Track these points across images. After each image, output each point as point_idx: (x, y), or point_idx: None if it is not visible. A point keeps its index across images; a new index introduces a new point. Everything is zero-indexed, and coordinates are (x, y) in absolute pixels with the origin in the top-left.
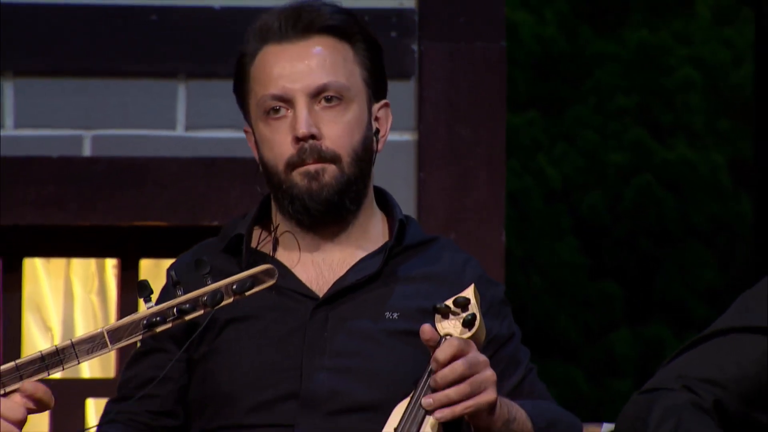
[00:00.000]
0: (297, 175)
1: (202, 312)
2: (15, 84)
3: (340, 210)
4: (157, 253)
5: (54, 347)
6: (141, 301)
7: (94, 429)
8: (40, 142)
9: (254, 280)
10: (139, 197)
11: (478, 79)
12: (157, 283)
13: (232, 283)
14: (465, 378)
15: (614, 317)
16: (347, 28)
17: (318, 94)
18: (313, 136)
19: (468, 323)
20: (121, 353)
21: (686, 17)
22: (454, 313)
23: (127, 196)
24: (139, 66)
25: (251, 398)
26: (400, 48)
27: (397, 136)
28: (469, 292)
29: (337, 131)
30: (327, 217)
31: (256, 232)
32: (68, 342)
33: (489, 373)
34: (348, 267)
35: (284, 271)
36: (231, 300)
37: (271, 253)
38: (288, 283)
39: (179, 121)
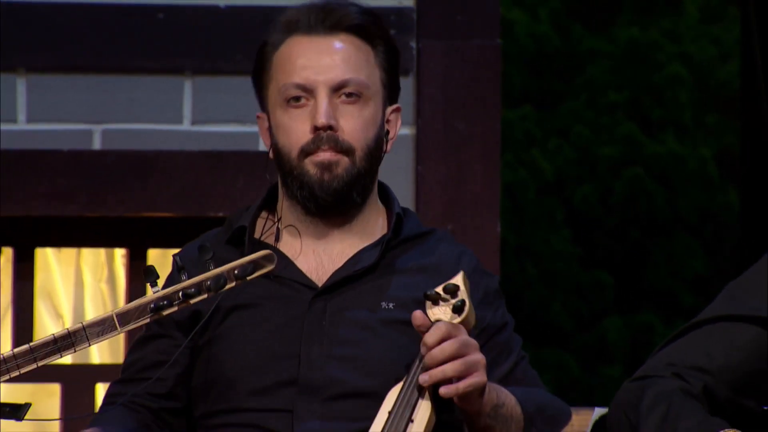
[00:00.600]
0: (310, 163)
1: (206, 296)
2: (27, 80)
3: (347, 202)
4: (164, 243)
5: (66, 330)
6: (148, 286)
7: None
8: (52, 136)
9: (255, 265)
10: (147, 189)
11: (474, 76)
12: (165, 272)
13: (234, 268)
14: (455, 357)
15: (605, 305)
16: (372, 30)
17: (339, 89)
18: (331, 127)
19: (458, 309)
20: (130, 339)
21: (675, 16)
22: (444, 300)
23: (136, 188)
24: (146, 62)
25: (252, 383)
26: (399, 45)
27: None
28: (458, 279)
29: (354, 125)
30: (333, 207)
31: (260, 223)
32: (79, 325)
33: (479, 356)
34: (347, 258)
35: (286, 262)
36: (233, 284)
37: (273, 244)
38: (289, 273)
39: (185, 115)
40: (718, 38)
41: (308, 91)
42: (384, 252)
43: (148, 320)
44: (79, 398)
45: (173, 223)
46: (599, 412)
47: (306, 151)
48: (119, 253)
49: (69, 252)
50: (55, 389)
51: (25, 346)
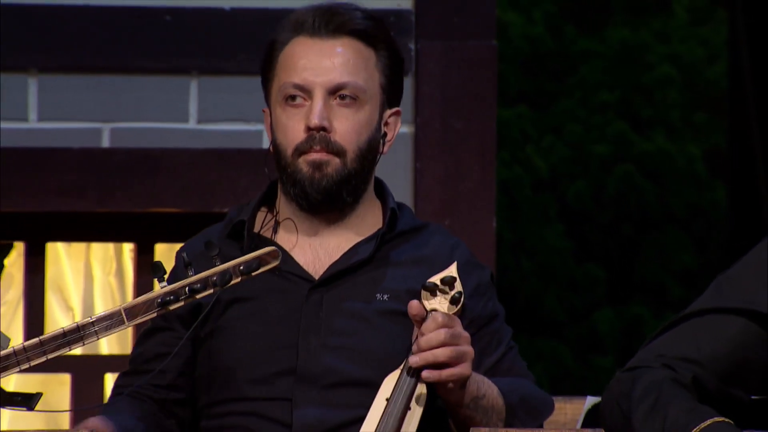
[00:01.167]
0: (302, 162)
1: (211, 291)
2: (39, 80)
3: (337, 200)
4: (170, 238)
5: (75, 324)
6: (155, 281)
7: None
8: (62, 134)
9: (260, 261)
10: (154, 185)
11: (470, 76)
12: (171, 266)
13: (240, 264)
14: (448, 345)
15: (598, 298)
16: (374, 34)
17: (335, 91)
18: (323, 128)
19: (455, 300)
20: (138, 331)
21: (664, 17)
22: (442, 291)
23: (143, 185)
24: (154, 63)
25: (252, 373)
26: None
27: None
28: (453, 270)
29: (347, 127)
30: (324, 205)
31: (260, 218)
32: (88, 319)
33: (469, 349)
34: (343, 252)
35: (284, 255)
36: (239, 280)
37: (272, 238)
38: (287, 267)
39: (191, 114)
40: (706, 40)
41: (306, 91)
42: (379, 245)
43: (155, 314)
44: (89, 388)
45: (179, 219)
46: (591, 400)
47: (300, 150)
48: (127, 248)
49: (79, 246)
50: (65, 379)
51: (35, 340)
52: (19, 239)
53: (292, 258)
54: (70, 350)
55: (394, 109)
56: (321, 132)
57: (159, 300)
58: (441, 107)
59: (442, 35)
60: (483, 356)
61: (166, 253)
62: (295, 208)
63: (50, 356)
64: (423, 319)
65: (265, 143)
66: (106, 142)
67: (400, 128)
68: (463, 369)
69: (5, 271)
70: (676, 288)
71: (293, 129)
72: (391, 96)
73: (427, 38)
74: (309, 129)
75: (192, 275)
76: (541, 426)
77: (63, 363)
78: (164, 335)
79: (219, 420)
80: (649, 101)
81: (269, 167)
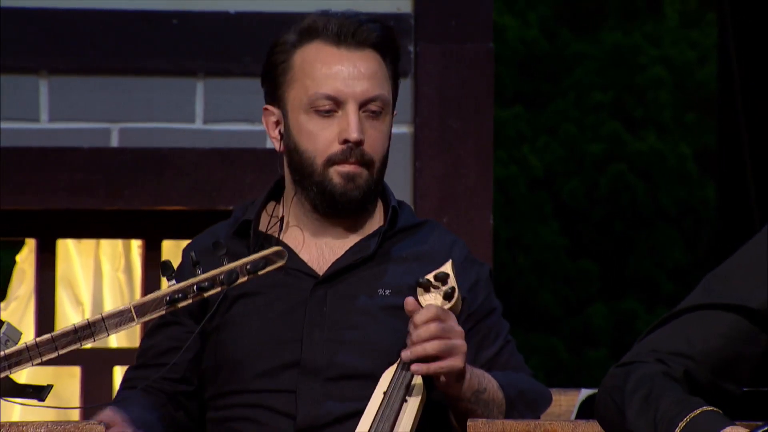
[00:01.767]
0: (334, 173)
1: (219, 289)
2: (49, 82)
3: (362, 209)
4: (177, 235)
5: (86, 321)
6: (164, 279)
7: None
8: (72, 134)
9: (266, 260)
10: (161, 184)
11: (468, 77)
12: (178, 262)
13: (247, 263)
14: (438, 338)
15: (591, 293)
16: (389, 46)
17: (366, 104)
18: (361, 142)
19: (448, 296)
20: (146, 326)
21: (656, 21)
22: (435, 287)
23: (151, 183)
24: (161, 65)
25: (257, 366)
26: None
27: (395, 128)
28: (447, 268)
29: (376, 139)
30: (347, 212)
31: (265, 216)
32: (99, 316)
33: (461, 343)
34: (346, 249)
35: (289, 252)
36: (245, 279)
37: (277, 236)
38: (292, 263)
39: (198, 114)
40: (696, 42)
41: (337, 102)
42: (381, 242)
43: (164, 312)
44: (98, 380)
45: (186, 216)
46: (585, 392)
47: (333, 161)
48: (135, 244)
49: (88, 243)
50: (75, 371)
51: (47, 336)
52: (30, 236)
53: (296, 255)
54: (81, 346)
55: (395, 113)
56: (358, 146)
57: (168, 298)
58: (439, 108)
59: (440, 38)
60: (481, 350)
61: (173, 250)
62: (305, 207)
63: (61, 352)
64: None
65: (269, 143)
66: (114, 142)
67: (400, 128)
68: (453, 362)
69: (17, 267)
70: (667, 283)
71: (325, 138)
72: (395, 100)
73: (426, 41)
74: (346, 141)
75: (200, 274)
76: (538, 418)
77: (73, 356)
78: (173, 329)
79: (225, 412)
80: (641, 102)
81: (279, 165)
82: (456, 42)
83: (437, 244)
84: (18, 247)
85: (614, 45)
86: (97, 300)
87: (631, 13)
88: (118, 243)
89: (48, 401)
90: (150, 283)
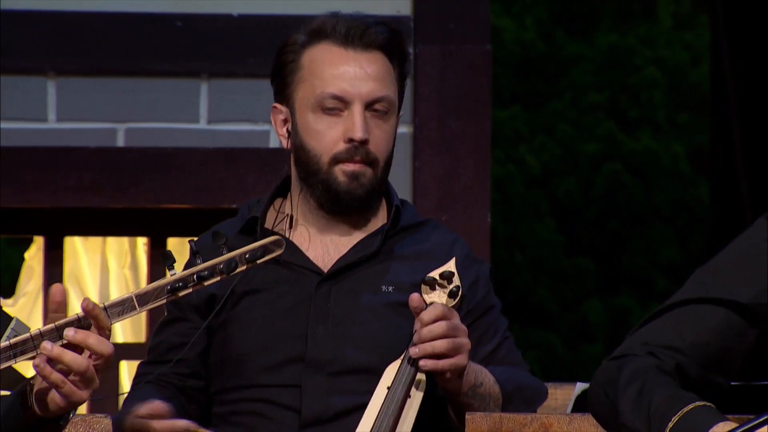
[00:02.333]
0: (339, 171)
1: (218, 278)
2: (57, 83)
3: (366, 207)
4: (182, 232)
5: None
6: (166, 269)
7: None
8: (79, 134)
9: (265, 249)
10: (167, 183)
11: (466, 78)
12: (182, 258)
13: (245, 253)
14: (446, 336)
15: (587, 289)
16: (396, 48)
17: (372, 104)
18: (365, 141)
19: (453, 294)
20: (152, 321)
21: (650, 23)
22: (440, 285)
23: (156, 182)
24: (166, 66)
25: (263, 360)
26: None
27: None
28: (452, 266)
29: (381, 138)
30: (352, 210)
31: (271, 214)
32: (101, 305)
33: (466, 341)
34: (350, 246)
35: (294, 249)
36: (244, 268)
37: (283, 233)
38: (297, 260)
39: (202, 115)
40: (689, 44)
41: (344, 102)
42: (384, 240)
43: (164, 301)
44: (105, 374)
45: (190, 214)
46: (581, 386)
47: (338, 159)
48: (141, 242)
49: (95, 240)
50: None
51: (51, 325)
52: (38, 234)
53: (302, 252)
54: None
55: (400, 113)
56: (363, 145)
57: (168, 287)
58: (438, 108)
59: (439, 40)
60: (479, 346)
61: (178, 247)
62: (310, 205)
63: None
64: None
65: (272, 143)
66: (120, 142)
67: (400, 127)
68: (459, 360)
69: (26, 264)
70: (661, 280)
71: (331, 137)
72: (401, 103)
73: (425, 43)
74: (351, 140)
75: (200, 263)
76: (534, 412)
77: None
78: (181, 326)
79: (231, 406)
80: (636, 102)
81: (287, 162)
82: (454, 44)
83: (439, 242)
84: (26, 244)
85: (609, 47)
86: (104, 296)
87: (625, 15)
88: (124, 240)
89: None
90: (155, 279)
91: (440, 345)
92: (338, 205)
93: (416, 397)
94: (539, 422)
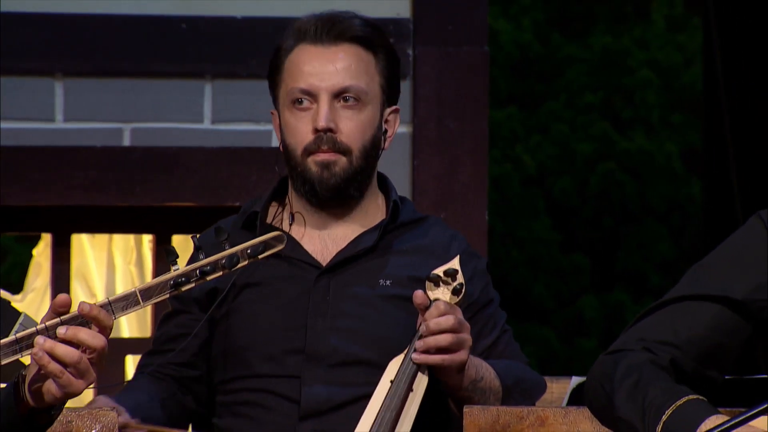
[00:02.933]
0: (311, 162)
1: (220, 273)
2: (64, 83)
3: (345, 196)
4: (186, 230)
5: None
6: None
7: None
8: (86, 133)
9: (266, 245)
10: (171, 181)
11: (464, 79)
12: (186, 254)
13: (247, 248)
14: (450, 332)
15: (582, 285)
16: (373, 40)
17: (340, 94)
18: (330, 130)
19: (456, 291)
20: (157, 316)
21: (644, 25)
22: (444, 282)
23: (161, 181)
24: (170, 67)
25: (264, 352)
26: (397, 52)
27: None
28: (456, 263)
29: (352, 128)
30: (332, 200)
31: (271, 211)
32: (105, 300)
33: (468, 337)
34: (349, 241)
35: (294, 244)
36: (246, 263)
37: (283, 228)
38: (297, 254)
39: (206, 115)
40: (682, 45)
41: (312, 95)
42: (382, 235)
43: (168, 296)
44: (111, 368)
45: (194, 212)
46: (576, 380)
47: (308, 150)
48: (146, 239)
49: (102, 238)
50: None
51: (56, 319)
52: (46, 231)
53: (301, 246)
54: (92, 328)
55: (394, 107)
56: (328, 133)
57: (172, 282)
58: (437, 108)
59: (437, 41)
60: (479, 339)
61: (182, 244)
62: (304, 202)
63: None
64: (427, 308)
65: (274, 142)
66: (126, 141)
67: (399, 127)
68: (461, 355)
69: (34, 260)
70: (654, 276)
71: (301, 131)
72: (390, 95)
73: (424, 44)
74: (317, 131)
75: (203, 258)
76: (533, 405)
77: None
78: (182, 318)
79: (232, 396)
80: (630, 103)
81: (279, 165)
82: (453, 45)
83: (437, 238)
84: (34, 241)
85: (604, 48)
86: (110, 292)
87: (620, 17)
88: (130, 237)
89: None
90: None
91: (444, 340)
92: (316, 196)
93: (419, 390)
94: (536, 415)
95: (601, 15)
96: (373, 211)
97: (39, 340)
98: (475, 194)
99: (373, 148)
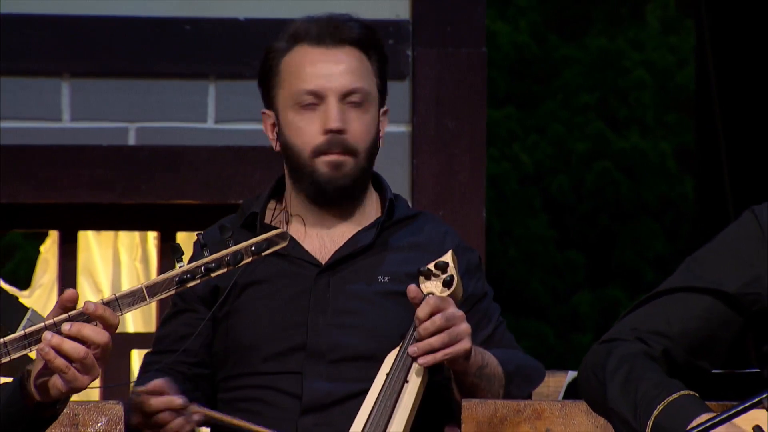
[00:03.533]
0: (321, 163)
1: (225, 270)
2: (71, 84)
3: (350, 196)
4: (191, 227)
5: (101, 300)
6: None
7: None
8: (92, 133)
9: (269, 242)
10: (176, 179)
11: (462, 79)
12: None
13: (251, 245)
14: (443, 329)
15: (578, 281)
16: (370, 43)
17: (346, 96)
18: (341, 130)
19: (447, 283)
20: (162, 312)
21: (638, 27)
22: (435, 275)
23: (166, 179)
24: (175, 68)
25: (266, 349)
26: (397, 53)
27: (394, 127)
28: (447, 257)
29: (360, 128)
30: (338, 200)
31: (270, 210)
32: (112, 296)
33: (464, 326)
34: (347, 239)
35: (293, 243)
36: (250, 260)
37: (282, 227)
38: (296, 253)
39: (210, 114)
40: (676, 47)
41: (319, 96)
42: (379, 232)
43: (173, 292)
44: (117, 363)
45: (199, 209)
46: (572, 374)
47: (318, 151)
48: (152, 236)
49: (107, 235)
50: None
51: (63, 315)
52: (53, 228)
53: (300, 245)
54: (96, 325)
55: (384, 108)
56: (339, 134)
57: (177, 278)
58: (435, 108)
59: (436, 43)
60: (476, 332)
61: (187, 241)
62: (303, 200)
63: None
64: (421, 302)
65: None
66: (132, 140)
67: (398, 127)
68: (460, 346)
69: (41, 257)
70: (649, 273)
71: (309, 131)
72: (383, 96)
73: (423, 46)
74: (327, 131)
75: (207, 255)
76: (530, 395)
77: None
78: (186, 316)
79: (235, 392)
80: (625, 103)
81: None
82: (451, 46)
83: (432, 234)
84: (42, 238)
85: (600, 49)
86: (116, 288)
87: (615, 19)
88: (135, 235)
89: None
90: (165, 272)
91: (436, 340)
92: (324, 196)
93: (413, 382)
94: (532, 408)
95: (597, 17)
96: (369, 209)
97: (46, 335)
98: (473, 192)
99: (374, 148)
